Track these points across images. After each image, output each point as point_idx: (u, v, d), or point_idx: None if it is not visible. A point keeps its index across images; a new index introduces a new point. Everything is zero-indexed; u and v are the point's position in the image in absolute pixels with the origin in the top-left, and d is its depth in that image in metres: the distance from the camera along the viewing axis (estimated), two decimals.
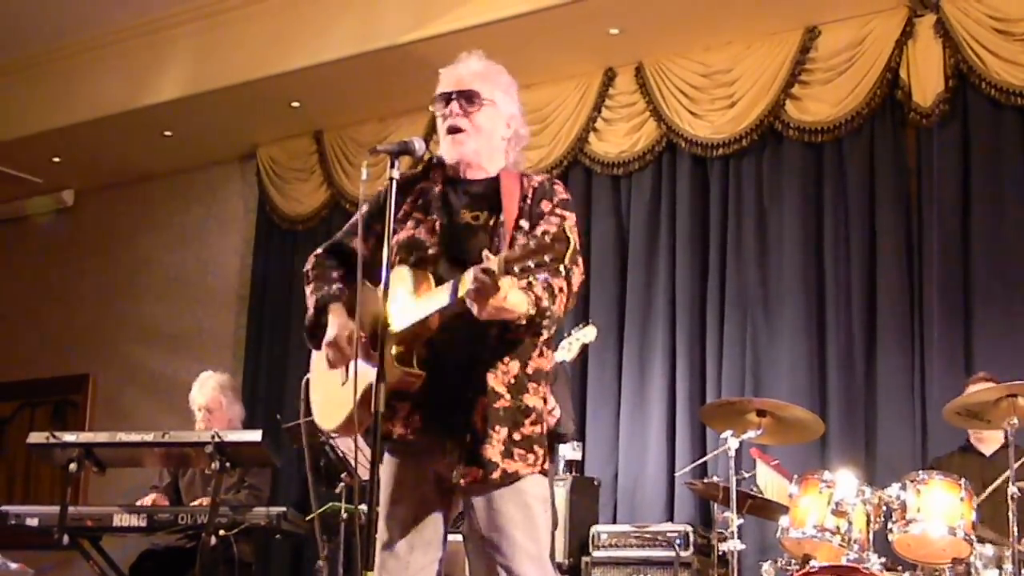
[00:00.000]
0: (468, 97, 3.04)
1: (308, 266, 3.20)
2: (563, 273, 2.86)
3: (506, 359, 2.93)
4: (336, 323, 2.99)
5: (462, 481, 2.90)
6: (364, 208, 3.08)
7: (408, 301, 2.88)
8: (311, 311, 3.10)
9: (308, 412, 3.30)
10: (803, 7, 6.23)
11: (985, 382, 4.89)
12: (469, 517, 2.98)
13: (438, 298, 2.82)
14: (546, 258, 2.57)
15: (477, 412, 2.89)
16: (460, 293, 2.73)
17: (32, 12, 7.45)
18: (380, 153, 2.99)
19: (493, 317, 2.77)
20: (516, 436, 2.92)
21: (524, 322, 2.82)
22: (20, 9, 7.41)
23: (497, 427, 2.89)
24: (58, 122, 7.96)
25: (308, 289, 3.14)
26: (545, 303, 2.82)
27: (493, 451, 2.89)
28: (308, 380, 3.23)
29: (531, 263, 2.58)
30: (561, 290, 2.88)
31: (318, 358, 3.16)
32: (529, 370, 2.96)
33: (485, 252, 2.65)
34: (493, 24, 6.38)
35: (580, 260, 2.98)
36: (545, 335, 2.97)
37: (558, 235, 2.59)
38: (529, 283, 2.75)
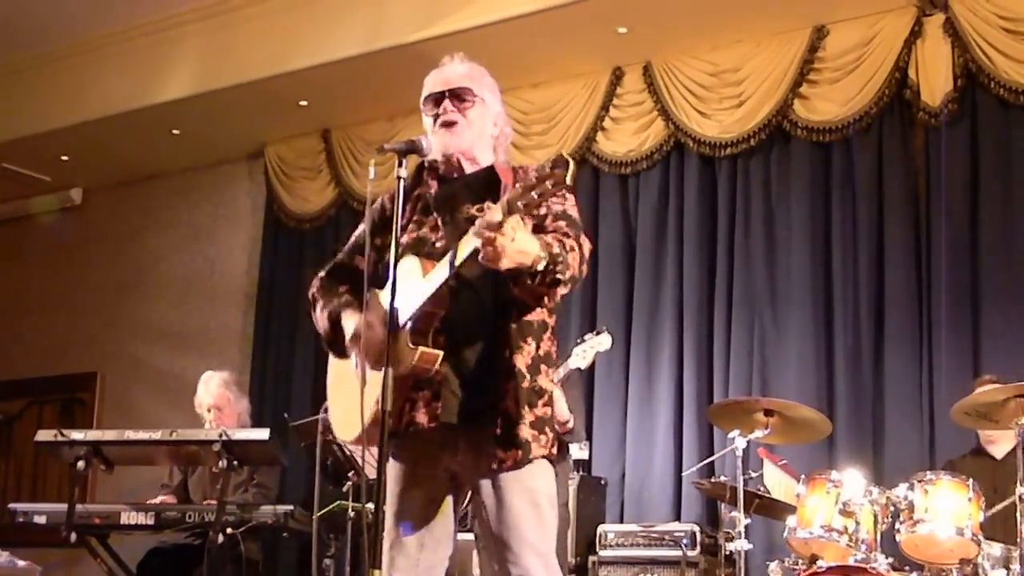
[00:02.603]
0: (459, 95, 3.07)
1: (313, 289, 3.21)
2: (572, 235, 2.88)
3: (529, 339, 2.94)
4: (353, 321, 2.99)
5: (505, 464, 2.90)
6: (363, 226, 3.09)
7: (417, 285, 2.87)
8: (326, 324, 3.10)
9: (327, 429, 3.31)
10: (811, 6, 6.22)
11: (991, 384, 4.87)
12: (480, 515, 2.98)
13: (445, 266, 2.81)
14: (548, 184, 2.56)
15: (508, 395, 2.90)
16: (464, 249, 2.72)
17: (40, 11, 7.46)
18: (388, 151, 2.99)
19: (511, 264, 2.72)
20: (531, 417, 2.93)
21: (540, 267, 2.76)
22: (28, 8, 7.42)
23: (527, 407, 2.92)
24: (66, 121, 7.97)
25: (317, 308, 3.15)
26: (556, 249, 2.80)
27: (527, 431, 2.91)
28: (327, 407, 3.26)
29: (534, 194, 2.58)
30: (572, 248, 2.87)
31: (335, 373, 3.17)
32: (542, 352, 2.98)
33: (486, 204, 2.64)
34: (501, 23, 6.38)
35: (583, 232, 2.98)
36: (563, 290, 2.92)
37: (556, 161, 2.57)
38: (539, 236, 2.75)
